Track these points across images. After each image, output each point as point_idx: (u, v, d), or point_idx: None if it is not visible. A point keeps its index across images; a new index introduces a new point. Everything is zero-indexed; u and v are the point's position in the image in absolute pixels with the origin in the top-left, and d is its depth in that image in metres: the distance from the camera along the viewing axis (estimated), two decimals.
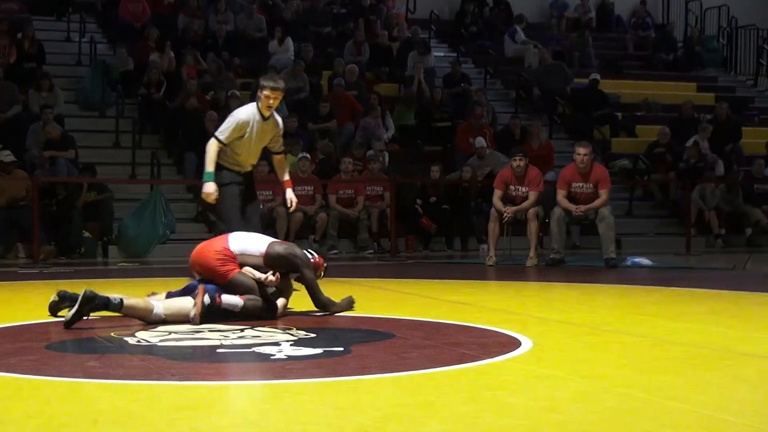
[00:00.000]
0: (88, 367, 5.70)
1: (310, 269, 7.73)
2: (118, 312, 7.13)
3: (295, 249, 7.81)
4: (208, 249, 7.64)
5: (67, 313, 6.99)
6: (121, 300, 7.09)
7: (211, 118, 17.19)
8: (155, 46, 19.53)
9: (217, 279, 7.51)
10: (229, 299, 7.37)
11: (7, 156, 15.05)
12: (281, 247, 7.76)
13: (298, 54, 20.64)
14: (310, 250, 8.04)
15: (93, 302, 6.95)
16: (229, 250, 7.57)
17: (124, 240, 15.28)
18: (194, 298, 7.26)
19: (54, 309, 7.45)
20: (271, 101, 8.74)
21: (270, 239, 7.85)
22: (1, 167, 15.05)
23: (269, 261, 7.62)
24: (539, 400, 4.64)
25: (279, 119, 8.94)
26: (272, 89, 8.70)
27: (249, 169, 9.18)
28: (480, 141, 18.11)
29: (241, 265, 7.58)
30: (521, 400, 4.63)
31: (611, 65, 24.35)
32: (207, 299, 7.23)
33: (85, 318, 7.03)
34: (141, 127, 18.22)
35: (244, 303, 7.39)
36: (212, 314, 7.26)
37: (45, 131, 16.26)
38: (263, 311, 7.47)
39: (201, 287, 7.34)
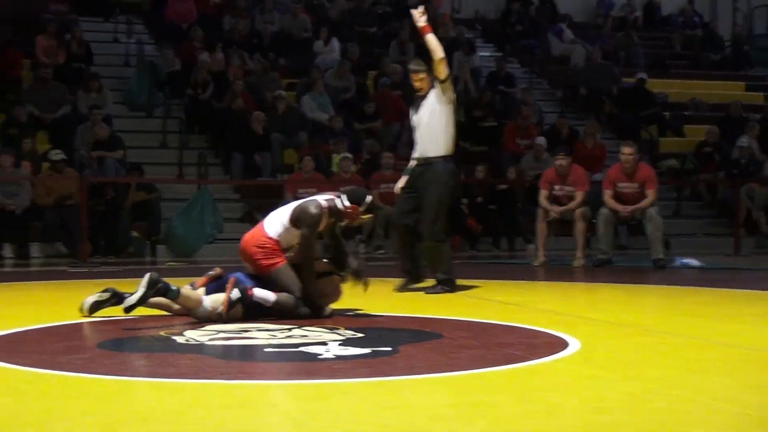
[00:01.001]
0: (137, 365, 5.75)
1: (310, 229, 7.53)
2: (174, 300, 7.20)
3: (311, 206, 7.61)
4: (251, 239, 7.63)
5: (130, 298, 7.06)
6: (179, 289, 7.17)
7: (258, 118, 17.27)
8: (203, 47, 19.61)
9: (260, 271, 7.54)
10: (261, 293, 7.39)
11: (57, 155, 15.18)
12: (297, 209, 7.65)
13: (344, 54, 20.66)
14: (344, 200, 7.81)
15: (156, 286, 7.04)
16: (268, 236, 7.55)
17: (172, 239, 15.36)
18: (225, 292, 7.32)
19: (95, 307, 7.46)
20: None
21: (296, 203, 7.80)
22: (52, 166, 15.20)
23: (294, 224, 7.57)
24: (587, 401, 4.62)
25: None
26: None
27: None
28: (540, 140, 17.96)
29: (287, 248, 7.56)
30: (569, 401, 4.61)
31: (658, 64, 24.20)
32: (236, 293, 7.26)
33: (147, 301, 7.10)
34: (188, 127, 18.30)
35: (276, 298, 7.41)
36: (248, 308, 7.31)
37: (93, 132, 16.37)
38: (296, 309, 7.46)
39: (231, 280, 7.37)
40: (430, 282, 9.90)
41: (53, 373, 5.28)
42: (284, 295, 7.47)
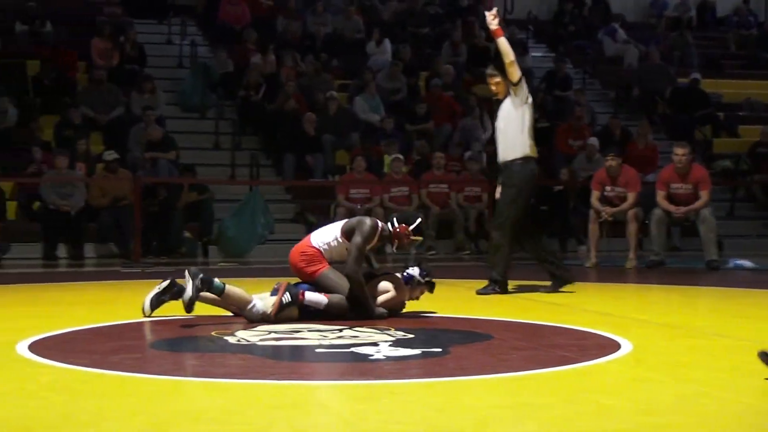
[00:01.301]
0: (189, 365, 5.79)
1: (363, 238, 7.61)
2: (219, 296, 7.26)
3: (366, 219, 7.80)
4: (295, 249, 7.77)
5: (185, 296, 7.18)
6: (224, 285, 7.25)
7: (309, 119, 17.32)
8: (255, 48, 19.70)
9: (305, 279, 7.64)
10: (312, 297, 7.46)
11: (111, 155, 15.31)
12: (353, 220, 7.82)
13: (396, 55, 20.67)
14: (393, 221, 7.95)
15: (198, 276, 7.15)
16: (311, 246, 7.66)
17: (224, 240, 15.43)
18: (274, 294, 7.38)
19: (156, 302, 7.51)
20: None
21: (344, 221, 7.94)
22: (106, 166, 15.33)
23: (347, 235, 7.67)
24: (639, 403, 4.60)
25: None
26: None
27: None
28: (593, 141, 17.86)
29: (330, 261, 7.64)
30: (620, 403, 4.59)
31: (712, 64, 23.99)
32: (287, 297, 7.32)
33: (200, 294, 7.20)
34: (240, 128, 18.38)
35: (329, 301, 7.47)
36: (302, 311, 7.38)
37: (147, 133, 16.48)
38: (349, 311, 7.53)
39: (283, 284, 7.45)
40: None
41: (105, 373, 5.33)
42: (337, 297, 7.53)
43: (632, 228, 13.46)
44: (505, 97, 9.62)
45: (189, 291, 7.12)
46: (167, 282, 7.55)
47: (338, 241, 7.67)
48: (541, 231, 9.76)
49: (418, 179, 16.79)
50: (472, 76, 21.23)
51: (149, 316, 7.51)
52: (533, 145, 9.71)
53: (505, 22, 23.18)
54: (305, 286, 7.55)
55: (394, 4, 22.71)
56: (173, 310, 7.59)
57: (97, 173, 15.86)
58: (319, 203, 16.80)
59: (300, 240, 8.19)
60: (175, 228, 15.33)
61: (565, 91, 20.72)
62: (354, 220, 7.79)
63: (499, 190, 9.90)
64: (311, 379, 5.27)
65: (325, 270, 7.60)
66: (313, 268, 7.60)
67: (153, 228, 15.15)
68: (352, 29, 21.43)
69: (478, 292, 9.58)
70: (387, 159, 17.10)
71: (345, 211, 15.78)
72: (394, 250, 8.22)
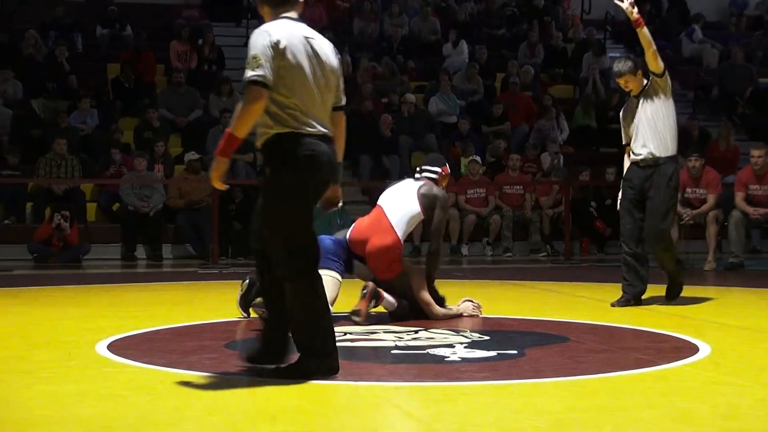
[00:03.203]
0: (264, 366, 5.81)
1: (444, 212, 7.85)
2: None
3: (436, 190, 7.89)
4: (379, 240, 7.68)
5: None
6: None
7: (385, 121, 17.35)
8: None
9: (380, 276, 7.62)
10: (389, 299, 7.54)
11: (193, 155, 15.47)
12: (425, 189, 7.87)
13: (472, 56, 20.64)
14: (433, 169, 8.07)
15: (252, 288, 7.28)
16: (399, 242, 7.66)
17: None
18: (363, 297, 7.39)
19: (244, 303, 7.57)
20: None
21: (412, 188, 7.93)
22: (188, 167, 15.48)
23: (425, 211, 7.77)
24: (718, 407, 4.55)
25: None
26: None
27: None
28: None
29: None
30: (699, 407, 4.55)
31: None
32: (374, 301, 7.38)
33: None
34: None
35: (398, 305, 7.55)
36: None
37: None
38: (410, 312, 7.60)
39: (371, 286, 7.46)
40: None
41: (183, 373, 5.38)
42: (403, 303, 7.61)
43: (711, 230, 13.31)
44: (641, 91, 8.97)
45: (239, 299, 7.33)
46: (246, 281, 7.61)
47: (411, 219, 7.78)
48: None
49: (493, 180, 16.75)
50: (548, 77, 21.16)
51: (248, 317, 7.53)
52: (677, 143, 8.94)
53: (582, 23, 23.17)
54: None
55: (470, 5, 22.67)
56: (252, 312, 7.65)
57: (175, 175, 16.03)
58: None
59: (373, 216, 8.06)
60: (252, 229, 15.41)
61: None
62: (431, 195, 7.82)
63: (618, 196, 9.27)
64: (386, 381, 5.27)
65: (401, 273, 7.65)
66: (394, 269, 7.63)
67: (230, 229, 15.26)
68: (429, 30, 21.43)
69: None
70: (464, 161, 17.09)
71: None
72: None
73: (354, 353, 6.15)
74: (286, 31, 5.27)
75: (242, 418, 4.34)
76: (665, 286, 9.07)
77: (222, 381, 5.19)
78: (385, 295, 7.51)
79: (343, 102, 5.65)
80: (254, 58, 5.11)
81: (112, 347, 6.27)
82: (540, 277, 12.39)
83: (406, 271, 7.65)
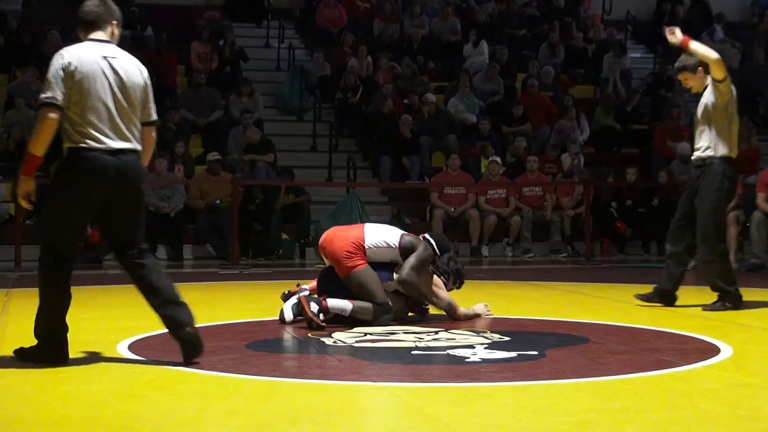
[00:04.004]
0: (286, 366, 5.83)
1: (420, 258, 7.50)
2: None
3: (422, 242, 7.66)
4: (342, 237, 7.53)
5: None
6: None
7: (406, 121, 17.35)
8: (352, 51, 19.79)
9: (340, 270, 7.43)
10: (336, 303, 7.28)
11: (214, 156, 15.51)
12: (411, 237, 7.67)
13: (493, 57, 20.62)
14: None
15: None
16: (362, 241, 7.47)
17: None
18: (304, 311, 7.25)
19: (294, 313, 7.47)
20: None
21: (400, 231, 7.77)
22: (209, 168, 15.51)
23: (403, 253, 7.53)
24: (739, 408, 4.54)
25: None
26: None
27: None
28: (684, 146, 17.61)
29: (371, 261, 7.46)
30: (720, 409, 4.53)
31: None
32: (314, 306, 7.16)
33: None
34: (338, 131, 18.47)
35: (353, 307, 7.30)
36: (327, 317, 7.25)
37: (245, 135, 16.64)
38: (377, 316, 7.32)
39: (302, 298, 7.27)
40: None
41: (204, 373, 5.40)
42: (360, 304, 7.34)
43: (733, 231, 13.26)
44: (702, 92, 8.83)
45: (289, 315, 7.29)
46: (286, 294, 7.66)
47: (390, 248, 7.54)
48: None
49: (512, 181, 16.72)
50: (569, 77, 21.11)
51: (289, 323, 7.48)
52: (733, 146, 8.66)
53: (603, 23, 23.11)
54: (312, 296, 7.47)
55: (490, 5, 22.65)
56: (273, 312, 7.67)
57: (196, 175, 16.07)
58: (416, 205, 16.83)
59: (349, 226, 8.11)
60: (273, 230, 15.46)
61: (667, 92, 20.47)
62: (415, 239, 7.62)
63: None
64: (407, 382, 5.27)
65: (364, 268, 7.41)
66: (352, 263, 7.39)
67: (250, 230, 15.29)
68: (449, 31, 21.41)
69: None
70: (484, 161, 17.08)
71: (440, 215, 15.81)
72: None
73: (374, 354, 6.16)
74: (77, 53, 5.66)
75: (263, 419, 4.35)
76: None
77: (243, 381, 5.21)
78: (332, 301, 7.29)
79: (152, 118, 6.16)
80: (47, 80, 5.56)
81: (134, 347, 6.30)
82: (560, 278, 12.37)
83: (364, 278, 7.46)
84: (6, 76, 18.55)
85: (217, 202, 15.21)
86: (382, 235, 7.58)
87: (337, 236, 7.55)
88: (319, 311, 7.15)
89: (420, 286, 7.50)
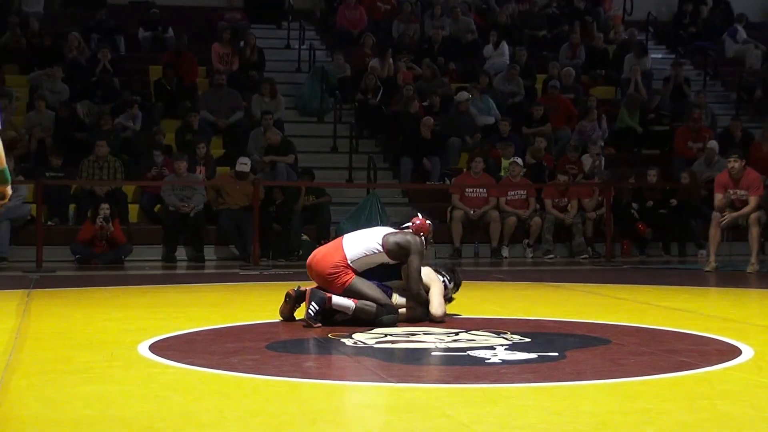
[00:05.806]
0: (306, 367, 5.83)
1: (419, 256, 7.55)
2: None
3: (408, 236, 7.63)
4: (326, 261, 7.52)
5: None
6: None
7: (427, 123, 17.35)
8: (372, 53, 19.80)
9: (333, 290, 7.42)
10: (340, 300, 7.32)
11: (243, 165, 15.48)
12: (396, 237, 7.62)
13: (513, 58, 20.60)
14: (418, 217, 7.90)
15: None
16: (345, 260, 7.46)
17: None
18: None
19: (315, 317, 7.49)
20: None
21: (382, 230, 7.75)
22: (236, 174, 15.50)
23: (390, 255, 7.53)
24: (761, 410, 4.52)
25: None
26: None
27: None
28: (712, 144, 17.53)
29: (360, 271, 7.49)
30: (742, 410, 4.52)
31: None
32: (314, 306, 7.20)
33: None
34: (358, 132, 18.48)
35: (356, 306, 7.32)
36: (327, 316, 7.29)
37: (266, 137, 16.66)
38: (379, 316, 7.34)
39: (308, 291, 7.36)
40: None
41: (224, 374, 5.41)
42: (365, 303, 7.37)
43: (754, 232, 13.20)
44: None
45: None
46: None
47: (375, 254, 7.53)
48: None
49: (535, 182, 16.69)
50: (590, 78, 21.07)
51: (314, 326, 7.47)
52: None
53: (623, 24, 23.05)
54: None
55: (511, 6, 22.63)
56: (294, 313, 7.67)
57: (217, 176, 16.10)
58: (436, 206, 16.83)
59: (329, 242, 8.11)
60: (293, 231, 15.47)
61: (686, 93, 20.42)
62: (400, 240, 7.56)
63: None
64: (427, 382, 5.27)
65: (355, 279, 7.43)
66: (341, 281, 7.41)
67: (271, 231, 15.31)
68: (464, 30, 21.38)
69: None
70: (504, 162, 17.06)
71: (460, 217, 15.80)
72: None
73: (394, 355, 6.16)
74: None
75: (284, 420, 4.36)
76: None
77: (263, 382, 5.21)
78: (336, 298, 7.32)
79: None
80: None
81: (154, 348, 6.31)
82: (580, 279, 12.34)
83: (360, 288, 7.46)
84: (27, 77, 18.62)
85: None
86: (362, 245, 7.56)
87: (319, 260, 7.56)
88: (317, 312, 7.22)
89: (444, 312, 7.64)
